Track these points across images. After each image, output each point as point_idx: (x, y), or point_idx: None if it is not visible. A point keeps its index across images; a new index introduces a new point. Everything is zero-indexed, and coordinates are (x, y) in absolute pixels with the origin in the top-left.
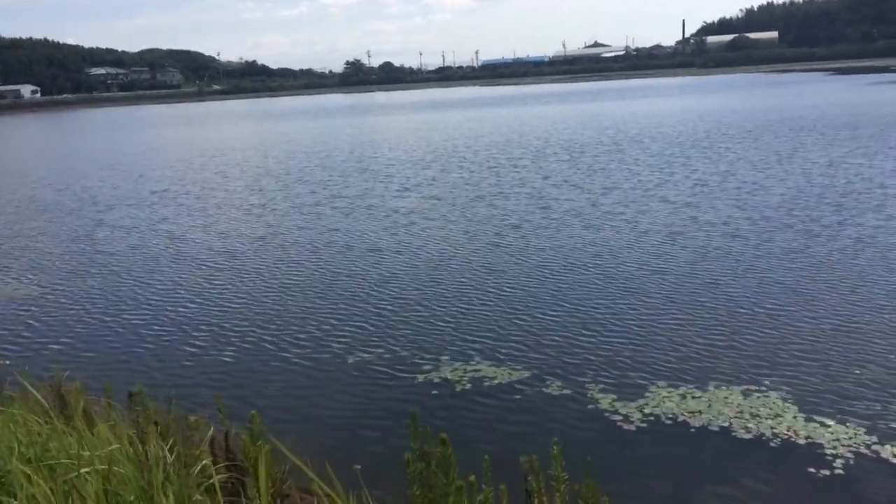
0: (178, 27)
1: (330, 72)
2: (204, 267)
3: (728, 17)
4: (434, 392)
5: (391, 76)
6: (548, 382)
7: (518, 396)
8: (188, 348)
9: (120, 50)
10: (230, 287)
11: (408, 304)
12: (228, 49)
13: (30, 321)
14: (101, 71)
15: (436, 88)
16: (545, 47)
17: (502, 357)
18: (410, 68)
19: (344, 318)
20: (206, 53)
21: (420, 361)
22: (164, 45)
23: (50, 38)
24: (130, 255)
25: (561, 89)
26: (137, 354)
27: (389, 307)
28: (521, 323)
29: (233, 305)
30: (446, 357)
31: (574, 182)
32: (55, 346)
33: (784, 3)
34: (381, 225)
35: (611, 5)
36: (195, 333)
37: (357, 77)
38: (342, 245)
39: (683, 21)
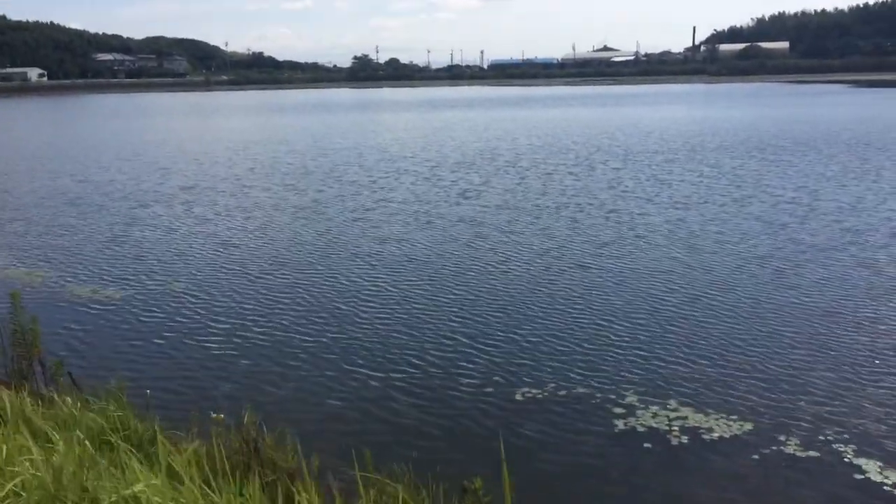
0: (182, 16)
1: (335, 66)
2: (261, 278)
3: (738, 25)
4: (647, 445)
5: (399, 73)
6: (779, 438)
7: (755, 456)
8: (273, 371)
9: (125, 36)
10: (292, 304)
11: (536, 332)
12: (232, 39)
13: (104, 327)
14: (109, 57)
15: (444, 87)
16: (552, 49)
17: (706, 401)
18: (417, 65)
19: (452, 349)
20: (212, 43)
21: (599, 401)
22: (168, 34)
23: (56, 21)
24: (178, 261)
25: (575, 92)
26: (215, 371)
27: (508, 334)
28: (696, 360)
29: (304, 328)
30: (633, 397)
31: (643, 194)
32: (136, 358)
33: (796, 14)
34: (447, 235)
35: (619, 10)
36: (267, 353)
37: (365, 73)
38: (413, 259)
39: (694, 28)
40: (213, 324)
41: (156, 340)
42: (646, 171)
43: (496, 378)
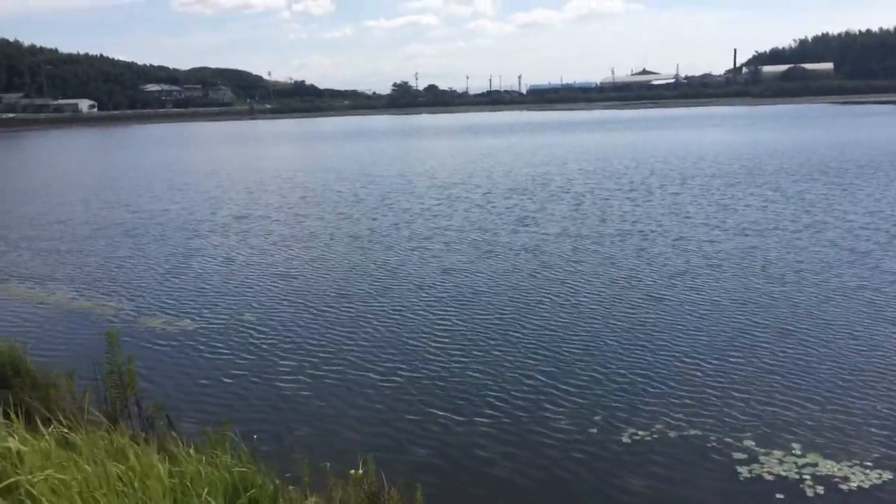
0: (224, 46)
1: (374, 93)
2: (325, 311)
3: (781, 47)
4: (779, 496)
5: (438, 99)
6: None
7: None
8: (350, 415)
9: (171, 67)
10: (359, 339)
11: (622, 370)
12: (273, 69)
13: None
14: (156, 88)
15: (484, 112)
16: (590, 74)
17: (831, 447)
18: (456, 91)
19: (535, 387)
20: (254, 73)
21: (714, 446)
22: (212, 64)
23: (104, 54)
24: (240, 293)
25: (617, 116)
26: (290, 413)
27: (591, 373)
28: (806, 400)
29: (375, 365)
30: (750, 441)
31: (708, 220)
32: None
33: (839, 35)
34: (511, 265)
35: (658, 34)
36: (340, 394)
37: (405, 99)
38: (478, 291)
39: (735, 50)
40: (282, 361)
41: (227, 379)
42: (706, 195)
43: (590, 421)
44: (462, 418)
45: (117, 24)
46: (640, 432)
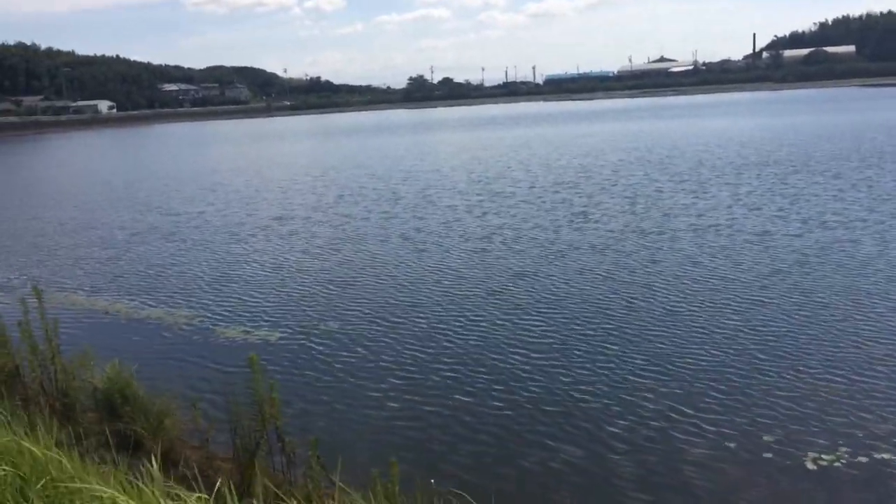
0: (238, 44)
1: (388, 87)
2: (397, 323)
3: (800, 31)
4: None
5: (454, 92)
6: None
7: None
8: (467, 446)
9: (186, 66)
10: (439, 354)
11: (755, 389)
12: (287, 66)
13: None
14: (174, 87)
15: (501, 104)
16: (606, 63)
17: None
18: (472, 84)
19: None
20: (269, 70)
21: None
22: (227, 62)
23: (121, 55)
24: (306, 300)
25: (639, 104)
26: (389, 437)
27: (721, 394)
28: None
29: (468, 385)
30: None
31: (783, 212)
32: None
33: (860, 17)
34: (582, 266)
35: (673, 21)
36: (442, 423)
37: (421, 93)
38: (558, 296)
39: (754, 35)
40: (373, 381)
41: (325, 397)
42: (767, 185)
43: (756, 446)
44: (582, 451)
45: (131, 26)
46: (824, 456)
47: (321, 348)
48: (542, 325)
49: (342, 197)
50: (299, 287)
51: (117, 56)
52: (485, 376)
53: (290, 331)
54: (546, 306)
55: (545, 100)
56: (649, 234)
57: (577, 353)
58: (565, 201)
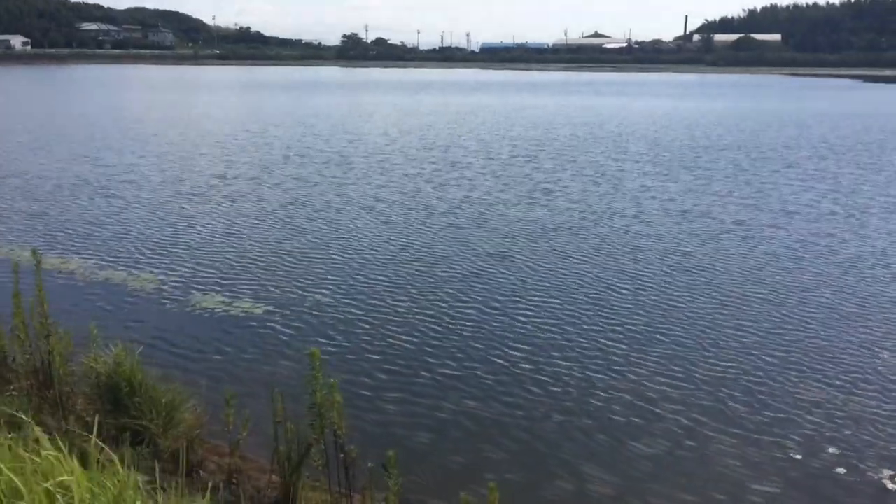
0: None
1: (320, 44)
2: (373, 303)
3: (730, 16)
4: None
5: (389, 52)
6: None
7: None
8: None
9: (106, 6)
10: (462, 348)
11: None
12: (212, 12)
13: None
14: (94, 27)
15: (437, 69)
16: (541, 34)
17: None
18: (406, 46)
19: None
20: (194, 16)
21: None
22: (150, 4)
23: None
24: (279, 269)
25: (579, 78)
26: (428, 443)
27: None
28: None
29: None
30: None
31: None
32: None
33: (787, 7)
34: (551, 247)
35: None
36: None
37: (355, 51)
38: (539, 282)
39: (686, 17)
40: (356, 367)
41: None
42: (798, 174)
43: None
44: (650, 449)
45: None
46: None
47: (302, 325)
48: (544, 314)
49: (288, 158)
50: (259, 256)
51: None
52: (488, 375)
53: (274, 300)
54: (538, 294)
55: (480, 68)
56: (624, 217)
57: (588, 355)
58: (527, 176)
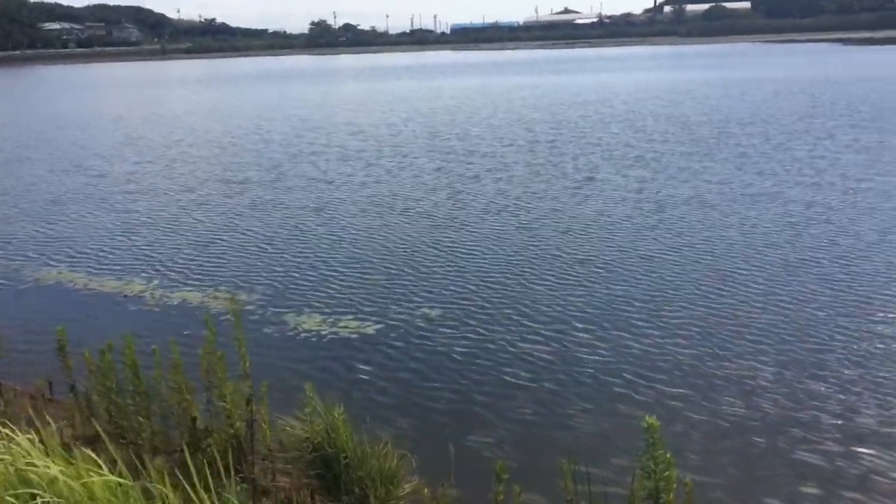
0: None
1: (285, 32)
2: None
3: None
4: None
5: (360, 38)
6: None
7: None
8: None
9: (66, 4)
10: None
11: None
12: (176, 5)
13: None
14: (56, 26)
15: (409, 53)
16: (511, 13)
17: None
18: (377, 31)
19: None
20: (156, 11)
21: None
22: (111, 1)
23: None
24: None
25: (553, 56)
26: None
27: None
28: None
29: None
30: None
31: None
32: None
33: None
34: (603, 235)
35: None
36: None
37: (324, 39)
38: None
39: None
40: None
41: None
42: (844, 146)
43: None
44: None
45: None
46: None
47: (417, 337)
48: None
49: (295, 156)
50: (341, 270)
51: None
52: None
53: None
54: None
55: (453, 49)
56: (689, 206)
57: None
58: (557, 166)
